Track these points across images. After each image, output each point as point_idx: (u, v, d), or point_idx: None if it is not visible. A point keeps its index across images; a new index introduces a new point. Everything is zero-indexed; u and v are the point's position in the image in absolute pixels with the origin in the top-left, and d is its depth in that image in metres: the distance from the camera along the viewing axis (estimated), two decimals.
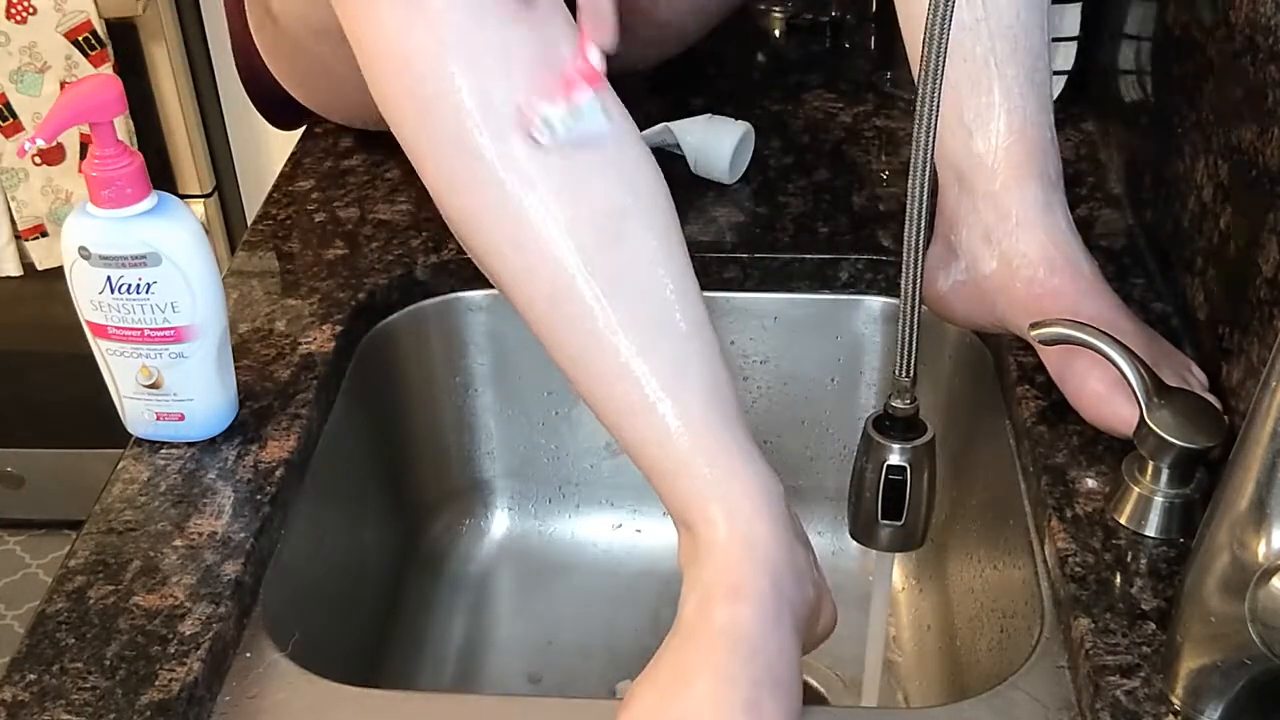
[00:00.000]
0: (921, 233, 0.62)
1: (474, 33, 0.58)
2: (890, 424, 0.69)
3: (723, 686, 0.55)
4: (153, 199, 0.68)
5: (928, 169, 0.60)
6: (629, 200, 0.61)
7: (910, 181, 0.61)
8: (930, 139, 0.59)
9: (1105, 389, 0.72)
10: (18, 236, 1.49)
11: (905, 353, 0.66)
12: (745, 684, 0.55)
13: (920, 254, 0.62)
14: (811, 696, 0.88)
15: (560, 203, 0.59)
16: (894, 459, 0.69)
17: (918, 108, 0.58)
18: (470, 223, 0.61)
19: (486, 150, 0.59)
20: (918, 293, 0.63)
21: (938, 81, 0.58)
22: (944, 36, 0.57)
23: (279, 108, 1.02)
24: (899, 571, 0.96)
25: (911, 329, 0.65)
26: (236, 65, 1.00)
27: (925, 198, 0.61)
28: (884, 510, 0.71)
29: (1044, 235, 0.74)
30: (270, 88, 0.99)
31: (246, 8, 0.96)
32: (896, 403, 0.68)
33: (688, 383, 0.61)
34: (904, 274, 0.63)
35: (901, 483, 0.70)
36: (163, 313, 0.69)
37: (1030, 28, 0.74)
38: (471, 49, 0.58)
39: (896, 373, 0.67)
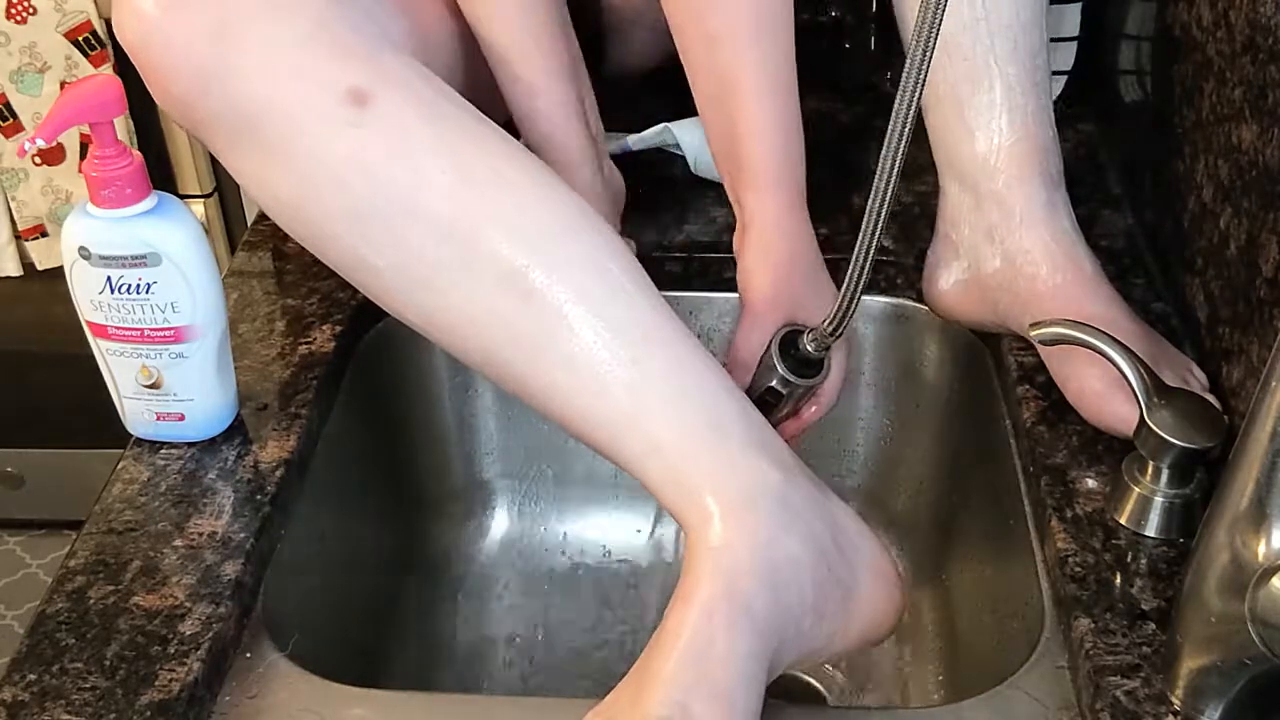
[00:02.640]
0: (890, 191, 0.63)
1: (327, 154, 0.57)
2: (795, 350, 0.74)
3: (652, 687, 0.55)
4: (153, 199, 0.68)
5: (902, 145, 0.61)
6: (520, 251, 0.58)
7: (882, 156, 0.62)
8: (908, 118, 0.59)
9: (1105, 388, 0.72)
10: (18, 236, 1.49)
11: (842, 314, 0.69)
12: (675, 687, 0.54)
13: (881, 220, 0.64)
14: (811, 696, 0.88)
15: (459, 292, 0.59)
16: (775, 384, 0.75)
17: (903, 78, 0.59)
18: (407, 322, 0.62)
19: (381, 262, 0.59)
20: (869, 260, 0.65)
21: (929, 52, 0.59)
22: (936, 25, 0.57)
23: None
24: None
25: (853, 298, 0.67)
26: None
27: (897, 169, 0.62)
28: None
29: (1047, 233, 0.75)
30: None
31: None
32: (811, 346, 0.73)
33: (648, 413, 0.59)
34: (860, 240, 0.64)
35: (773, 404, 0.76)
36: (163, 313, 0.69)
37: (1029, 26, 0.74)
38: (329, 169, 0.57)
39: (825, 325, 0.70)
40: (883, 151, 0.61)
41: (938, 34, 0.57)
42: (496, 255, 0.58)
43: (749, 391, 0.76)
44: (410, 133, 0.58)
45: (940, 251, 0.81)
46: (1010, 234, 0.75)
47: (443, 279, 0.58)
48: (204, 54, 0.56)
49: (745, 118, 0.76)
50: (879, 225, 0.63)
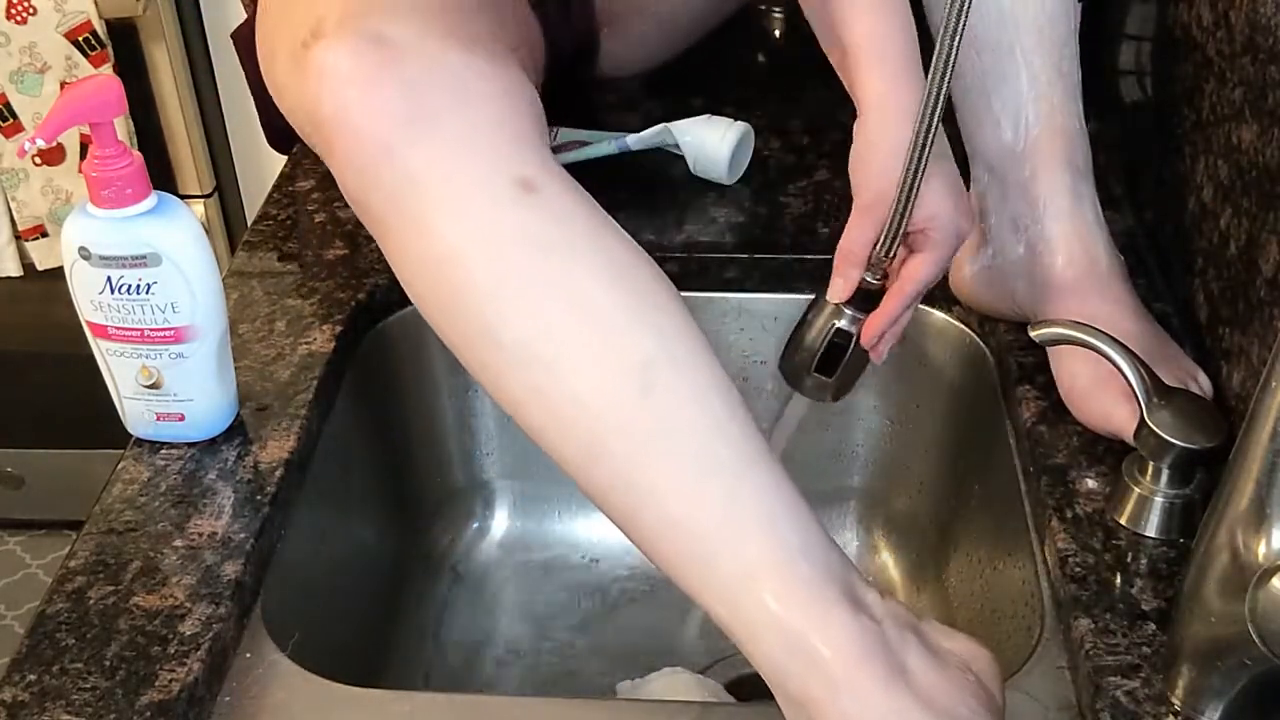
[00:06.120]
0: (936, 123, 0.64)
1: (491, 224, 0.58)
2: (855, 295, 0.73)
3: None
4: (153, 199, 0.68)
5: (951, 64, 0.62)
6: (653, 346, 0.58)
7: (931, 71, 0.63)
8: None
9: (1092, 386, 0.72)
10: (18, 236, 1.49)
11: (894, 235, 0.69)
12: None
13: (929, 143, 0.65)
14: None
15: (582, 374, 0.57)
16: (843, 324, 0.73)
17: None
18: (507, 404, 0.60)
19: (507, 335, 0.57)
20: (918, 180, 0.66)
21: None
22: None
23: (283, 135, 1.02)
24: (897, 572, 0.96)
25: (903, 215, 0.67)
26: (248, 81, 1.00)
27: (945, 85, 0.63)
28: (820, 364, 0.75)
29: (1069, 224, 0.75)
30: (280, 118, 0.99)
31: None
32: (868, 276, 0.72)
33: (744, 530, 0.55)
34: (910, 159, 0.65)
35: (843, 346, 0.73)
36: (163, 313, 0.69)
37: (1056, 18, 0.75)
38: (489, 238, 0.58)
39: (877, 250, 0.70)
40: (927, 80, 0.64)
41: (966, 20, 0.59)
42: (627, 346, 0.57)
43: (814, 340, 0.75)
44: (574, 217, 0.59)
45: (969, 240, 0.81)
46: (1034, 223, 0.76)
47: (567, 360, 0.57)
48: (394, 133, 0.57)
49: None
50: (932, 132, 0.65)
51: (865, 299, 0.73)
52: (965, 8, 0.61)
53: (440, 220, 0.57)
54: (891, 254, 0.70)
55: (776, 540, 0.55)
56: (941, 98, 0.63)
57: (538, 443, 0.59)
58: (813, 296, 0.75)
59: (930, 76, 0.63)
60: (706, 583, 0.56)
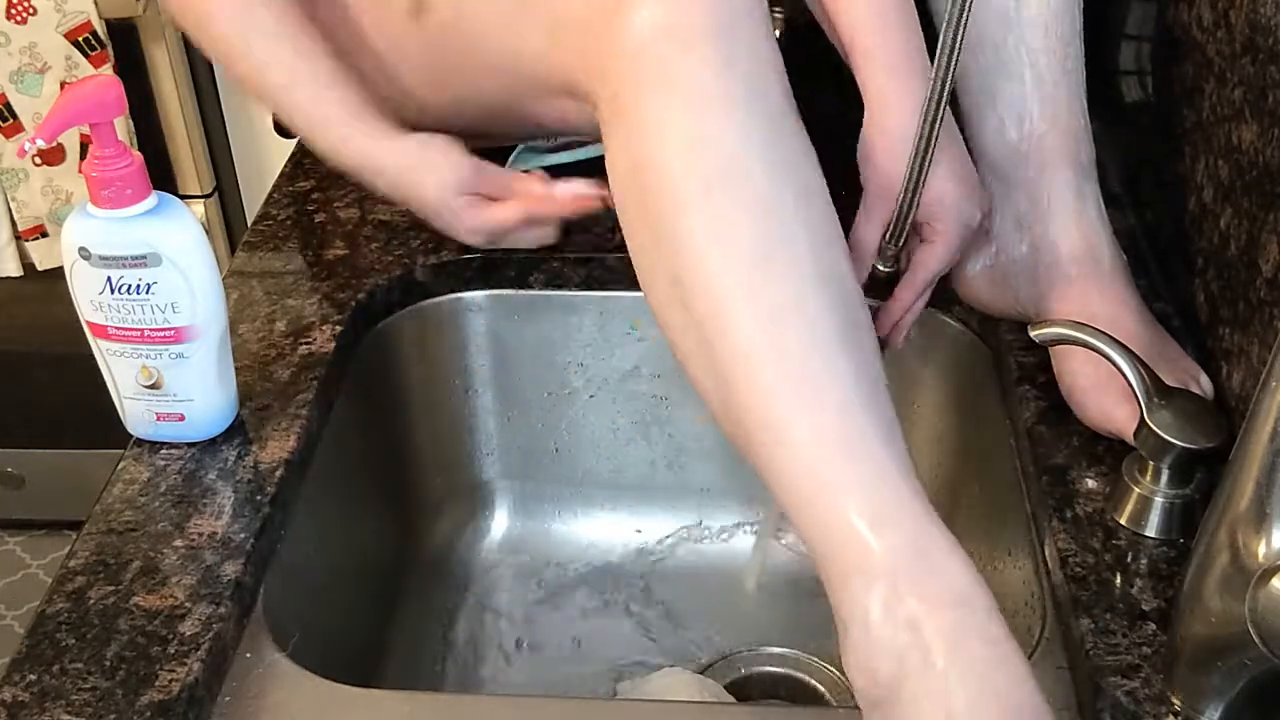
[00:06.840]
0: (941, 115, 0.67)
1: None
2: (869, 283, 0.75)
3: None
4: (153, 199, 0.68)
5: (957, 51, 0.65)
6: (836, 290, 0.61)
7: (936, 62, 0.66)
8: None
9: (1093, 386, 0.72)
10: (18, 237, 1.49)
11: (900, 222, 0.72)
12: None
13: (934, 135, 0.67)
14: (812, 696, 0.88)
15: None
16: None
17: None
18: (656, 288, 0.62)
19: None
20: (924, 170, 0.69)
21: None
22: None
23: None
24: None
25: (910, 205, 0.70)
26: None
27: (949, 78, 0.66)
28: None
29: (1072, 223, 0.75)
30: None
31: None
32: (880, 265, 0.75)
33: (864, 469, 0.57)
34: (915, 150, 0.68)
35: None
36: (163, 313, 0.69)
37: (1061, 15, 0.75)
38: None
39: (886, 239, 0.73)
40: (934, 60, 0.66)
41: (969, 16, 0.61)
42: (820, 263, 0.61)
43: None
44: (807, 163, 0.65)
45: (971, 237, 0.81)
46: (1037, 221, 0.76)
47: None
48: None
49: None
50: (936, 124, 0.67)
51: (879, 287, 0.74)
52: (967, 2, 0.62)
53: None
54: (901, 242, 0.71)
55: (904, 489, 0.57)
56: (946, 91, 0.65)
57: (682, 354, 0.61)
58: None
59: (935, 68, 0.64)
60: (816, 512, 0.57)
